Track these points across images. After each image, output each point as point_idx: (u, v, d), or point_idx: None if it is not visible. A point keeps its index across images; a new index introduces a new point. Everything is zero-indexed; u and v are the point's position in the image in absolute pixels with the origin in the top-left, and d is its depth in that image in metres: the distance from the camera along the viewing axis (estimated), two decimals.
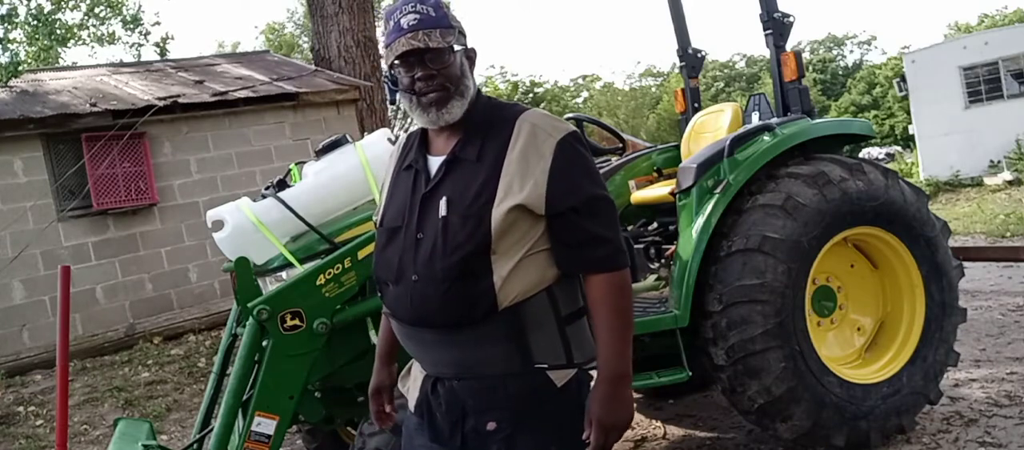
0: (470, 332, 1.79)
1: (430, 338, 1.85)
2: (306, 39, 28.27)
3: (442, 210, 1.79)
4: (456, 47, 1.84)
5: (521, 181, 1.76)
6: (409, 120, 2.03)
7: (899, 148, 36.10)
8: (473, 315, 1.77)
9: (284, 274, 3.39)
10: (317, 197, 3.53)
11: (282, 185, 3.62)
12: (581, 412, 1.82)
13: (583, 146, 1.84)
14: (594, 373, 1.83)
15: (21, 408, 7.00)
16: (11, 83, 9.50)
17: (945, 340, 3.94)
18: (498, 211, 1.74)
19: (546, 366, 1.81)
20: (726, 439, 4.27)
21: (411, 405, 1.98)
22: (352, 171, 3.55)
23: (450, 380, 1.85)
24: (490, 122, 1.84)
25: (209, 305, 9.38)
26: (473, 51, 1.92)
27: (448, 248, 1.76)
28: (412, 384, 1.99)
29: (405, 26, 1.80)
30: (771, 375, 3.53)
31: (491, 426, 1.80)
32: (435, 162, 1.87)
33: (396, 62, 1.83)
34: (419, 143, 1.93)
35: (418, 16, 1.80)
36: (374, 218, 2.05)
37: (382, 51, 1.87)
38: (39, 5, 11.20)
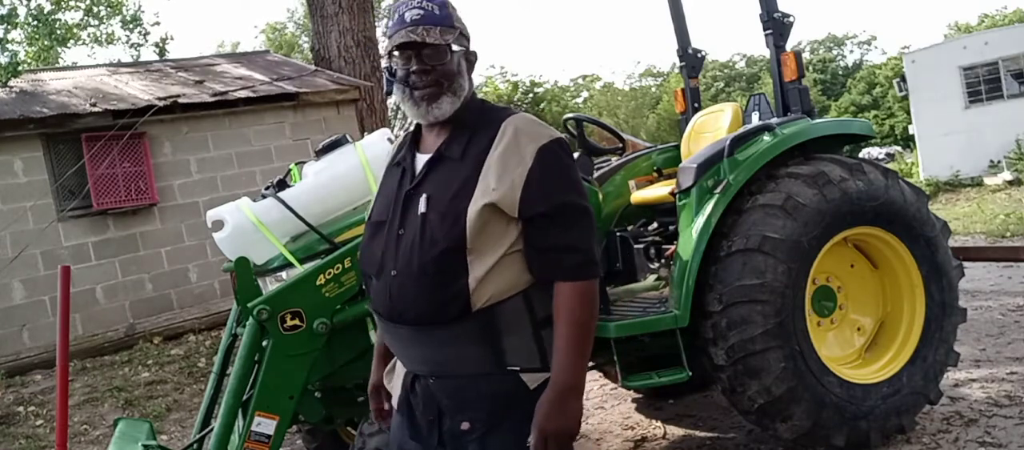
0: (444, 330, 1.81)
1: (406, 334, 1.88)
2: (306, 39, 28.26)
3: (422, 207, 1.82)
4: (455, 47, 1.86)
5: (498, 181, 1.77)
6: (409, 121, 2.06)
7: (899, 148, 36.08)
8: (447, 313, 1.79)
9: (284, 274, 3.39)
10: (317, 197, 3.53)
11: (282, 185, 3.62)
12: None
13: (566, 154, 1.85)
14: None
15: (21, 408, 7.00)
16: (11, 83, 9.50)
17: (945, 340, 3.94)
18: (473, 209, 1.76)
19: (519, 368, 1.82)
20: (726, 439, 4.27)
21: (395, 402, 2.01)
22: (352, 171, 3.55)
23: (426, 378, 1.87)
24: (478, 123, 1.87)
25: (209, 305, 9.38)
26: (474, 55, 1.94)
27: (425, 244, 1.79)
28: (396, 380, 2.02)
29: (408, 20, 1.83)
30: (771, 375, 3.53)
31: (465, 426, 1.82)
32: (422, 160, 1.91)
33: (395, 53, 1.86)
34: (411, 141, 1.97)
35: (422, 12, 1.84)
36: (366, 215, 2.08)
37: (383, 43, 1.93)
38: (39, 5, 11.20)
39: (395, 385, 2.01)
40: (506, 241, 1.79)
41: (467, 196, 1.78)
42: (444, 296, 1.78)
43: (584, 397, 1.97)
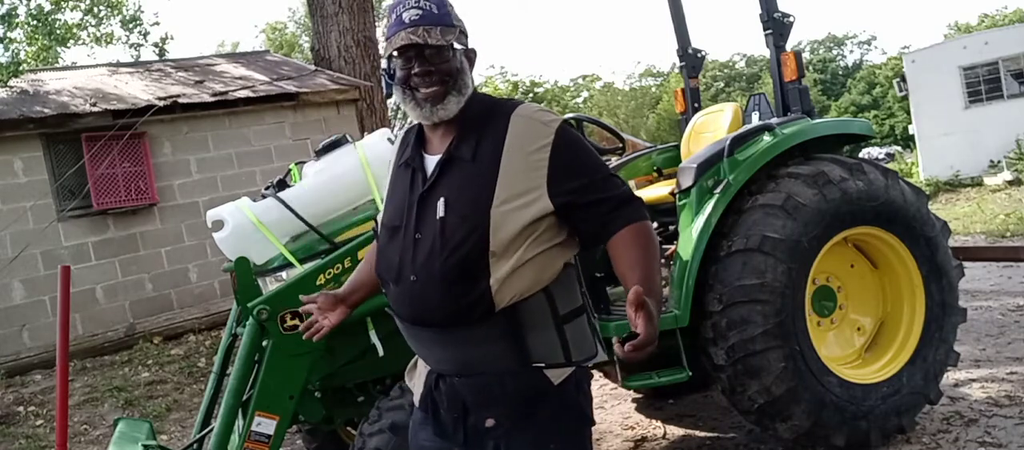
0: (468, 332, 1.80)
1: (430, 337, 1.87)
2: (306, 39, 28.24)
3: (440, 211, 1.79)
4: (456, 45, 1.85)
5: (526, 177, 1.78)
6: (409, 120, 2.05)
7: (899, 148, 36.10)
8: (471, 316, 1.78)
9: (284, 274, 3.39)
10: (317, 197, 3.52)
11: (282, 185, 3.62)
12: (578, 409, 1.84)
13: (575, 130, 1.94)
14: (592, 371, 1.87)
15: (21, 408, 7.00)
16: (11, 83, 9.49)
17: (945, 340, 3.94)
18: (496, 211, 1.76)
19: (544, 365, 1.82)
20: (726, 439, 4.27)
21: (416, 399, 2.00)
22: (352, 171, 3.55)
23: (451, 377, 1.87)
24: (484, 120, 1.85)
25: (209, 305, 9.38)
26: (473, 52, 1.93)
27: (446, 249, 1.77)
28: (417, 379, 2.01)
29: (407, 21, 1.81)
30: (771, 375, 3.53)
31: (490, 423, 1.82)
32: (431, 161, 1.88)
33: (394, 55, 1.84)
34: (416, 141, 1.94)
35: (420, 12, 1.81)
36: (378, 215, 2.07)
37: (382, 44, 1.88)
38: (39, 5, 11.18)
39: (417, 383, 2.01)
40: (527, 239, 1.78)
41: (487, 198, 1.76)
42: (467, 299, 1.77)
43: None
